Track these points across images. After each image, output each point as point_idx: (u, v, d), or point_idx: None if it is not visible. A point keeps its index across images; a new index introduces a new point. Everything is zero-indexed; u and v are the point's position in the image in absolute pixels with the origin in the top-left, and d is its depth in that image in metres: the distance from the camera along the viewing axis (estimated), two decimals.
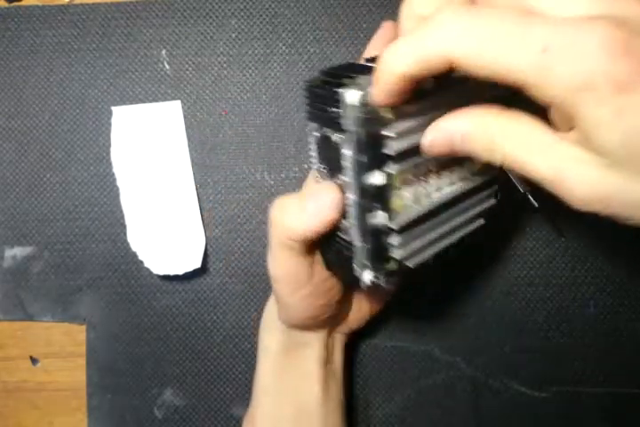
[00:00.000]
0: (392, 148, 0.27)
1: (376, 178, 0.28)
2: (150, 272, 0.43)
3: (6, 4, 0.45)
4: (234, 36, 0.44)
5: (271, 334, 0.37)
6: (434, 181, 0.30)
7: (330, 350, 0.38)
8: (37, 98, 0.45)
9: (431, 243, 0.32)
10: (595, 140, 0.22)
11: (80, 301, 0.44)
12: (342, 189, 0.29)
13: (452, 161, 0.31)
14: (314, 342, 0.37)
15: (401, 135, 0.27)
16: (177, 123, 0.44)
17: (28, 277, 0.44)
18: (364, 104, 0.26)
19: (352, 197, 0.28)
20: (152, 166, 0.43)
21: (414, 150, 0.28)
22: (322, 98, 0.28)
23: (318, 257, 0.33)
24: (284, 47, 0.44)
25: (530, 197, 0.42)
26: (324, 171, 0.30)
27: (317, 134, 0.29)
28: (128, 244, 0.43)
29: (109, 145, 0.44)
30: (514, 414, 0.43)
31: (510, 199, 0.44)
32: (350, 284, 0.33)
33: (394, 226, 0.29)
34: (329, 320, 0.36)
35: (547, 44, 0.21)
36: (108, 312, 0.44)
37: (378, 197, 0.28)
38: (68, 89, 0.45)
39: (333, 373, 0.39)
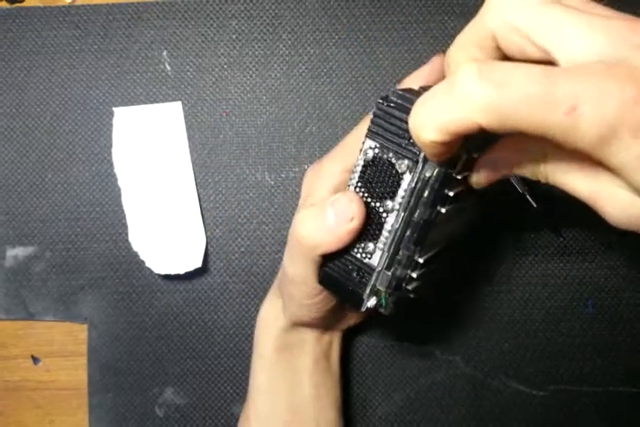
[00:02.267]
0: (454, 189, 0.28)
1: (427, 214, 0.28)
2: (151, 272, 0.43)
3: (8, 5, 0.45)
4: (234, 37, 0.45)
5: (269, 333, 0.38)
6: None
7: (326, 347, 0.39)
8: (39, 98, 0.45)
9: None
10: (626, 180, 0.23)
11: (81, 300, 0.44)
12: (376, 211, 0.29)
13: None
14: (310, 339, 0.38)
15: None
16: (178, 124, 0.44)
17: (30, 277, 0.44)
18: None
19: (395, 225, 0.29)
20: (153, 167, 0.44)
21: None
22: (399, 121, 0.27)
23: None
24: (284, 48, 0.44)
25: (528, 197, 0.43)
26: (361, 191, 0.30)
27: (375, 154, 0.29)
28: (129, 244, 0.43)
29: (111, 146, 0.44)
30: (512, 412, 0.44)
31: (509, 199, 0.44)
32: (344, 302, 0.34)
33: (421, 260, 0.30)
34: (333, 318, 0.36)
35: (574, 104, 0.21)
36: (110, 312, 0.44)
37: (419, 232, 0.29)
38: (69, 90, 0.45)
39: (329, 369, 0.39)
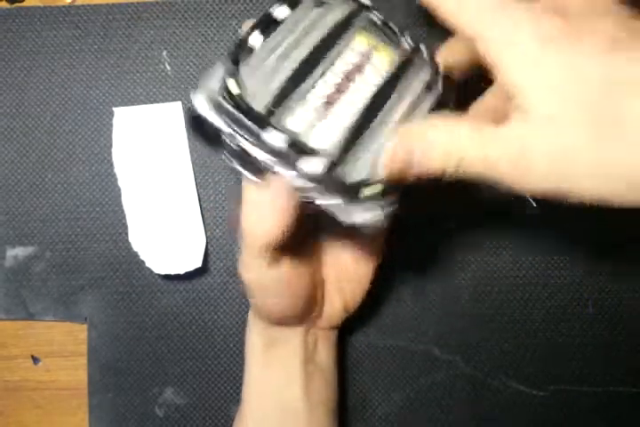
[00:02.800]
0: None
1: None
2: (151, 272, 0.43)
3: (8, 5, 0.45)
4: (234, 37, 0.45)
5: (254, 333, 0.38)
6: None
7: (311, 347, 0.38)
8: (39, 99, 0.45)
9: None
10: (504, 82, 0.24)
11: (81, 300, 0.44)
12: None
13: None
14: (292, 339, 0.37)
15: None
16: (178, 124, 0.44)
17: (30, 277, 0.44)
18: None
19: None
20: (153, 167, 0.44)
21: None
22: None
23: (286, 259, 0.33)
24: None
25: (528, 196, 0.43)
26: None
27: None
28: (129, 244, 0.43)
29: (111, 146, 0.44)
30: (512, 412, 0.44)
31: (509, 199, 0.44)
32: None
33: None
34: (303, 316, 0.36)
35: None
36: (110, 312, 0.44)
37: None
38: (69, 90, 0.45)
39: (319, 370, 0.38)
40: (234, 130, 0.28)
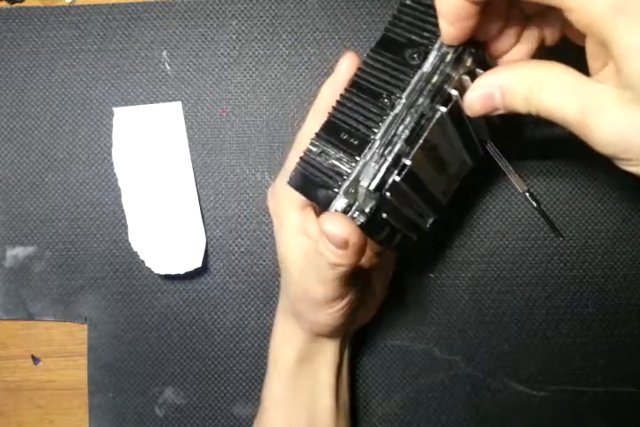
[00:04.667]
0: (455, 88, 0.29)
1: (427, 108, 0.29)
2: (151, 272, 0.43)
3: (8, 5, 0.45)
4: (234, 37, 0.45)
5: (290, 344, 0.37)
6: None
7: (341, 355, 0.38)
8: (39, 99, 0.45)
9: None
10: (623, 68, 0.23)
11: (81, 300, 0.44)
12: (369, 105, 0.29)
13: None
14: (329, 351, 0.37)
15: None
16: (178, 123, 0.44)
17: (30, 277, 0.44)
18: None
19: (394, 111, 0.29)
20: (153, 167, 0.44)
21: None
22: (420, 13, 0.29)
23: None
24: (284, 48, 0.44)
25: (528, 196, 0.43)
26: (352, 90, 0.30)
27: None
28: (129, 243, 0.43)
29: (111, 146, 0.44)
30: (513, 413, 0.44)
31: (509, 199, 0.44)
32: (313, 201, 0.31)
33: (408, 162, 0.29)
34: (350, 324, 0.37)
35: None
36: (109, 312, 0.44)
37: (415, 127, 0.29)
38: (69, 90, 0.45)
39: (343, 377, 0.39)
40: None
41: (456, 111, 0.29)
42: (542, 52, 0.30)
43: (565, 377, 0.44)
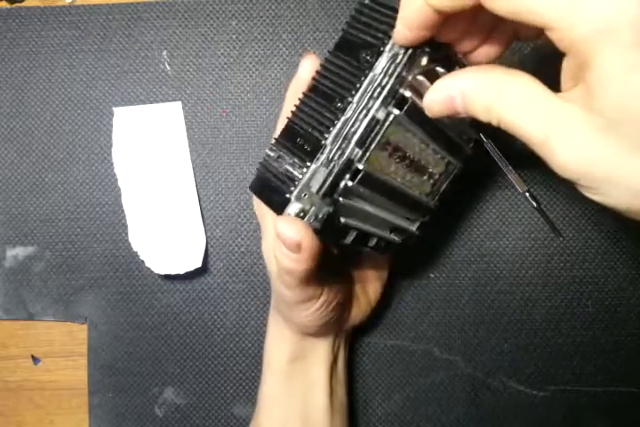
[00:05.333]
0: (409, 91, 0.28)
1: (379, 111, 0.28)
2: (151, 272, 0.43)
3: (8, 5, 0.45)
4: (234, 37, 0.45)
5: (281, 344, 0.37)
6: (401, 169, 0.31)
7: (336, 352, 0.38)
8: (39, 99, 0.45)
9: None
10: (597, 94, 0.22)
11: (81, 300, 0.44)
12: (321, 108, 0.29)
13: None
14: (321, 350, 0.37)
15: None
16: (178, 123, 0.44)
17: (30, 277, 0.44)
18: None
19: (345, 116, 0.28)
20: (153, 167, 0.44)
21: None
22: (376, 13, 0.28)
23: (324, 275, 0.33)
24: (284, 48, 0.44)
25: (528, 196, 0.43)
26: (309, 94, 0.30)
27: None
28: (129, 243, 0.43)
29: (111, 145, 0.44)
30: (512, 413, 0.44)
31: (509, 199, 0.44)
32: (268, 205, 0.31)
33: (360, 166, 0.29)
34: (337, 323, 0.37)
35: None
36: (109, 312, 0.44)
37: (366, 129, 0.28)
38: (69, 90, 0.45)
39: (337, 376, 0.39)
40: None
41: (416, 113, 0.29)
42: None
43: (565, 377, 0.44)
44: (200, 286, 0.44)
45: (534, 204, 0.44)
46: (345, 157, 0.28)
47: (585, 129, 0.22)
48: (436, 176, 0.34)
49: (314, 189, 0.29)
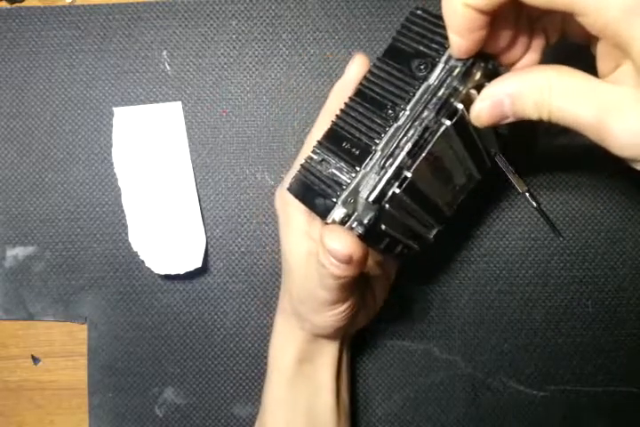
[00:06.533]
0: (461, 102, 0.29)
1: (432, 121, 0.28)
2: (151, 272, 0.43)
3: (8, 5, 0.45)
4: (234, 37, 0.45)
5: (290, 344, 0.37)
6: None
7: (340, 355, 0.38)
8: (39, 99, 0.45)
9: None
10: None
11: (81, 300, 0.44)
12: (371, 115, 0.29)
13: None
14: (329, 352, 0.37)
15: None
16: (178, 123, 0.44)
17: (30, 277, 0.44)
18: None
19: (398, 123, 0.28)
20: (153, 167, 0.44)
21: None
22: (430, 24, 0.29)
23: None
24: (284, 48, 0.44)
25: (528, 196, 0.43)
26: (356, 100, 0.30)
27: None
28: (129, 243, 0.43)
29: (111, 145, 0.44)
30: (512, 412, 0.44)
31: (509, 199, 0.44)
32: (311, 209, 0.31)
33: (409, 175, 0.29)
34: (350, 325, 0.37)
35: None
36: (109, 312, 0.44)
37: (418, 140, 0.29)
38: (69, 90, 0.45)
39: (342, 377, 0.39)
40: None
41: (462, 125, 0.29)
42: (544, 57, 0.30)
43: (565, 377, 0.44)
44: (200, 286, 0.44)
45: (534, 204, 0.44)
46: (396, 164, 0.28)
47: (636, 108, 0.23)
48: (457, 188, 0.34)
49: (363, 195, 0.29)
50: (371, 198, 0.28)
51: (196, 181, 0.44)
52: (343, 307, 0.33)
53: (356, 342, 0.43)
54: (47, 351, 0.45)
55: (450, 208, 0.35)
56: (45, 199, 0.45)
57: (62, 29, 0.45)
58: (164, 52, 0.45)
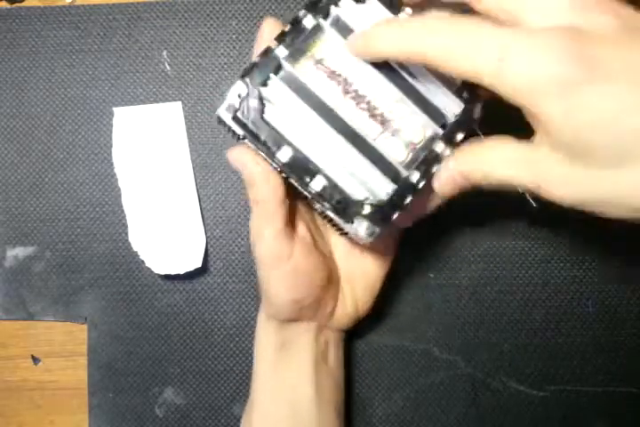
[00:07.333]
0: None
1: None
2: (151, 272, 0.43)
3: (7, 5, 0.45)
4: (235, 37, 0.45)
5: (266, 333, 0.38)
6: None
7: (323, 349, 0.38)
8: (39, 99, 0.45)
9: None
10: (552, 136, 0.25)
11: (81, 300, 0.44)
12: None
13: None
14: (304, 339, 0.37)
15: None
16: (178, 123, 0.44)
17: (30, 277, 0.44)
18: None
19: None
20: (153, 167, 0.44)
21: None
22: None
23: (299, 235, 0.35)
24: None
25: (528, 196, 0.43)
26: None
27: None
28: (129, 243, 0.43)
29: (111, 145, 0.44)
30: (512, 412, 0.44)
31: (508, 199, 0.44)
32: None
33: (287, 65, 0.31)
34: (314, 310, 0.36)
35: (502, 54, 0.25)
36: (110, 312, 0.44)
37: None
38: (69, 90, 0.45)
39: (329, 371, 0.39)
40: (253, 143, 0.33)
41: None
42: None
43: (565, 377, 0.44)
44: (200, 286, 0.44)
45: (534, 204, 0.43)
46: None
47: (561, 168, 0.26)
48: (414, 146, 0.32)
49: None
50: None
51: (196, 181, 0.44)
52: (287, 267, 0.34)
53: (356, 343, 0.43)
54: (47, 351, 0.45)
55: (407, 169, 0.33)
56: (45, 199, 0.45)
57: (62, 29, 0.45)
58: (164, 52, 0.45)
